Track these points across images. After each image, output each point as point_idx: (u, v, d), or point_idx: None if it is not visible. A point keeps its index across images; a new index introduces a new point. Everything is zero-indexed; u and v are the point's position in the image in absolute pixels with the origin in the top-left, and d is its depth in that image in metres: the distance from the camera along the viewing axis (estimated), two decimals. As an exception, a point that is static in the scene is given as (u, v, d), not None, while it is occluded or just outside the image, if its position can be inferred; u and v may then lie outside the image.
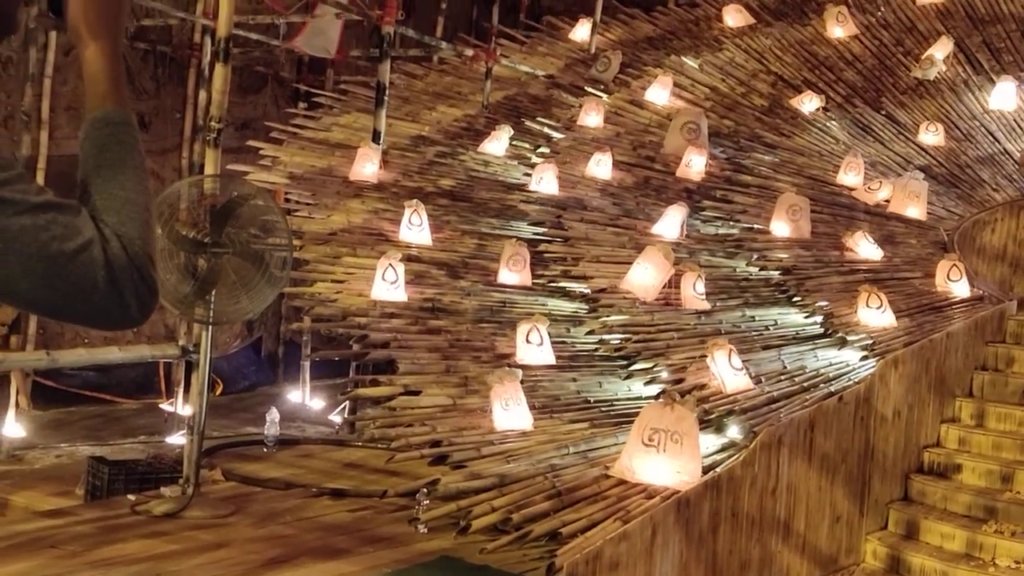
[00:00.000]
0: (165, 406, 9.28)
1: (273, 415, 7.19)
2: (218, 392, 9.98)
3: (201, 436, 5.31)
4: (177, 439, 7.57)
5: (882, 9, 10.93)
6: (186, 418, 6.04)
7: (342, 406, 8.70)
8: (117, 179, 1.32)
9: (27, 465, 7.80)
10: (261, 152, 8.47)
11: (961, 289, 6.60)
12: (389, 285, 6.49)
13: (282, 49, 10.60)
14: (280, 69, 11.47)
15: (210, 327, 5.32)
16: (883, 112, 9.32)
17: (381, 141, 8.34)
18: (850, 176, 8.22)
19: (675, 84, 9.87)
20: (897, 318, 6.11)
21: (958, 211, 7.92)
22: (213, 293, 5.06)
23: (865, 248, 7.12)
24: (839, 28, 10.54)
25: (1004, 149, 8.64)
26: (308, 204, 7.77)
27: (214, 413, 6.73)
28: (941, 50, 9.74)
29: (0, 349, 7.44)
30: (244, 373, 11.17)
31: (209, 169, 5.51)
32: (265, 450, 6.95)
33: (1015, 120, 8.90)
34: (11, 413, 8.28)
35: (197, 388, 5.37)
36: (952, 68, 9.65)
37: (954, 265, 6.66)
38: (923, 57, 9.73)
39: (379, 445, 6.23)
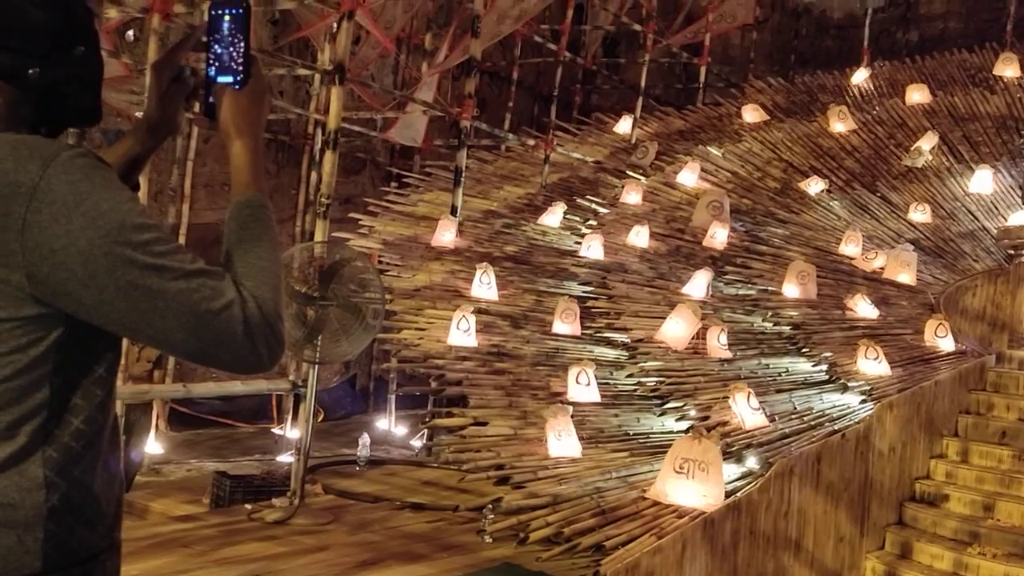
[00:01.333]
0: (276, 430, 9.32)
1: (364, 439, 7.20)
2: (320, 419, 10.01)
3: (306, 456, 5.33)
4: (286, 458, 7.58)
5: (876, 108, 10.85)
6: (294, 441, 6.06)
7: (422, 433, 8.68)
8: (255, 251, 1.36)
9: (164, 477, 7.87)
10: (360, 222, 8.55)
11: (947, 344, 6.45)
12: (463, 333, 6.49)
13: (379, 139, 10.74)
14: (376, 155, 11.63)
15: (316, 366, 5.35)
16: (878, 194, 9.19)
17: (458, 214, 8.38)
18: (850, 247, 8.10)
19: (702, 169, 9.83)
20: (892, 368, 5.97)
21: (943, 278, 7.76)
22: (319, 338, 5.09)
23: (863, 308, 7.00)
24: (840, 124, 10.46)
25: (983, 226, 8.47)
26: (397, 265, 7.81)
27: (316, 437, 6.74)
28: (928, 142, 9.62)
29: (146, 382, 7.53)
30: (341, 404, 11.21)
31: (318, 236, 5.59)
32: (357, 469, 6.95)
33: (992, 202, 8.74)
34: (152, 434, 8.37)
35: (303, 416, 5.40)
36: (937, 158, 9.52)
37: (940, 324, 6.52)
38: (912, 148, 9.61)
39: (452, 467, 6.19)
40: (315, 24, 8.36)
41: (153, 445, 8.34)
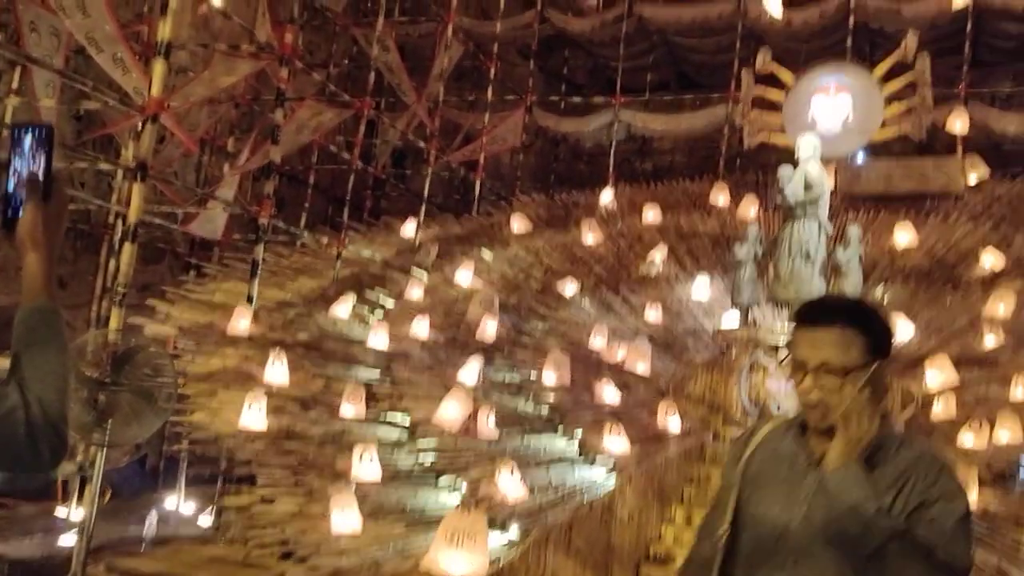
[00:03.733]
0: (61, 510, 8.47)
1: (152, 518, 6.69)
2: (108, 499, 9.18)
3: (89, 537, 4.88)
4: (69, 539, 6.89)
5: (619, 224, 11.53)
6: (78, 521, 5.53)
7: (210, 511, 8.16)
8: (43, 355, 1.31)
9: (-66, 562, 6.92)
10: (157, 309, 8.10)
11: (675, 425, 6.83)
12: (254, 415, 6.22)
13: (179, 230, 10.29)
14: (176, 245, 11.10)
15: (105, 449, 4.95)
16: (620, 296, 9.70)
17: (253, 303, 8.12)
18: (598, 340, 8.46)
19: (476, 269, 10.05)
20: (631, 445, 6.24)
21: (672, 368, 8.24)
22: (109, 422, 4.73)
23: (608, 393, 7.29)
24: (591, 235, 11.02)
25: (702, 325, 9.11)
26: (192, 351, 7.42)
27: (104, 516, 6.16)
28: (659, 254, 10.28)
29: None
30: (131, 482, 10.34)
31: (113, 324, 5.24)
32: (143, 548, 6.42)
33: (709, 305, 9.43)
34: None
35: (89, 496, 4.96)
36: (667, 267, 10.18)
37: (670, 406, 6.89)
38: (647, 258, 10.23)
39: (238, 544, 5.85)
40: (120, 123, 7.97)
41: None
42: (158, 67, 5.68)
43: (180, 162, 10.40)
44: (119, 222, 8.83)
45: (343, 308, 8.81)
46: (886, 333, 2.00)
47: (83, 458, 6.28)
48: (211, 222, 9.58)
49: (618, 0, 13.42)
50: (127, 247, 5.34)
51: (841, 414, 1.82)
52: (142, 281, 10.24)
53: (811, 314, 1.98)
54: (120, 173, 8.89)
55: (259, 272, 8.26)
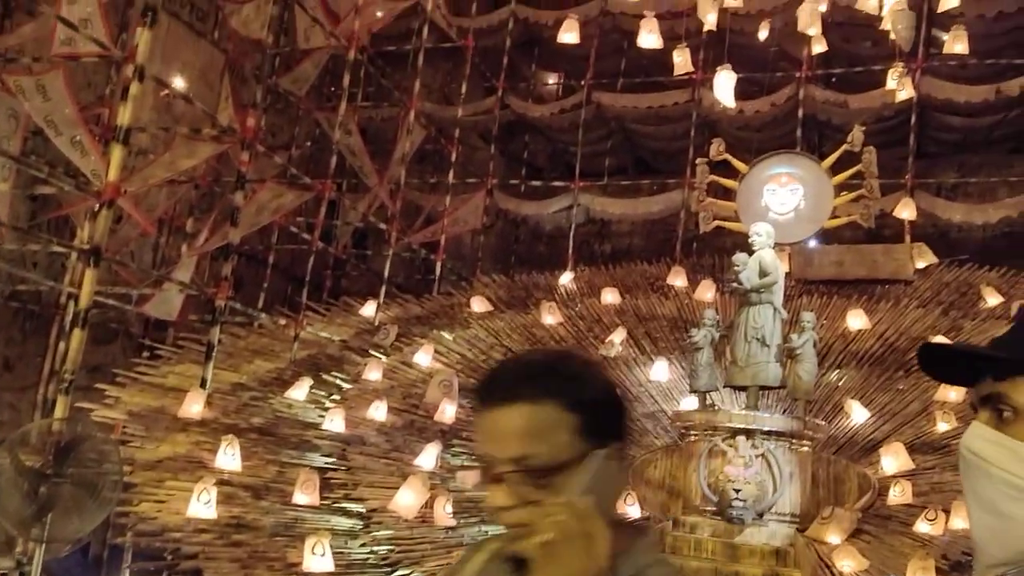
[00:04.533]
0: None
1: (92, 614, 6.38)
2: (46, 591, 8.77)
3: (23, 640, 4.62)
4: (2, 637, 6.54)
5: (579, 306, 11.60)
6: (12, 621, 5.26)
7: (155, 604, 7.83)
8: None
9: None
10: (106, 393, 7.89)
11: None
12: (203, 505, 6.02)
13: (133, 311, 10.12)
14: (130, 326, 10.90)
15: (43, 544, 4.74)
16: (580, 378, 9.66)
17: (207, 386, 7.96)
18: (558, 424, 8.39)
19: (436, 351, 9.99)
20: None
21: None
22: (49, 516, 4.54)
23: (568, 479, 7.20)
24: (550, 317, 11.05)
25: (661, 408, 9.11)
26: (142, 436, 7.22)
27: (40, 613, 5.88)
28: (618, 336, 10.34)
29: None
30: (72, 573, 9.90)
31: (59, 412, 5.08)
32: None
33: (667, 388, 9.46)
34: None
35: (25, 596, 4.72)
36: (626, 349, 10.23)
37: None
38: (606, 340, 10.27)
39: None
40: (76, 205, 7.90)
41: None
42: (116, 152, 5.67)
43: (137, 242, 10.30)
44: (71, 303, 8.66)
45: (299, 391, 8.67)
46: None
47: (21, 552, 6.00)
48: (167, 303, 9.44)
49: (577, 88, 13.77)
50: (76, 333, 5.23)
51: (540, 543, 1.13)
52: (93, 362, 10.01)
53: (491, 389, 1.33)
54: (74, 254, 8.76)
55: (214, 354, 8.12)
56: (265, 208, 9.16)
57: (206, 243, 9.50)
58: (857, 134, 8.69)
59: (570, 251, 13.39)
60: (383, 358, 9.94)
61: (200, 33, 9.41)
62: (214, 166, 10.33)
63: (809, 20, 7.94)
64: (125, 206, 7.52)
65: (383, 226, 12.27)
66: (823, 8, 8.14)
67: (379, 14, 11.34)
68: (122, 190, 5.99)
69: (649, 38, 8.87)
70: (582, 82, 13.41)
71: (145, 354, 9.79)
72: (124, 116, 5.78)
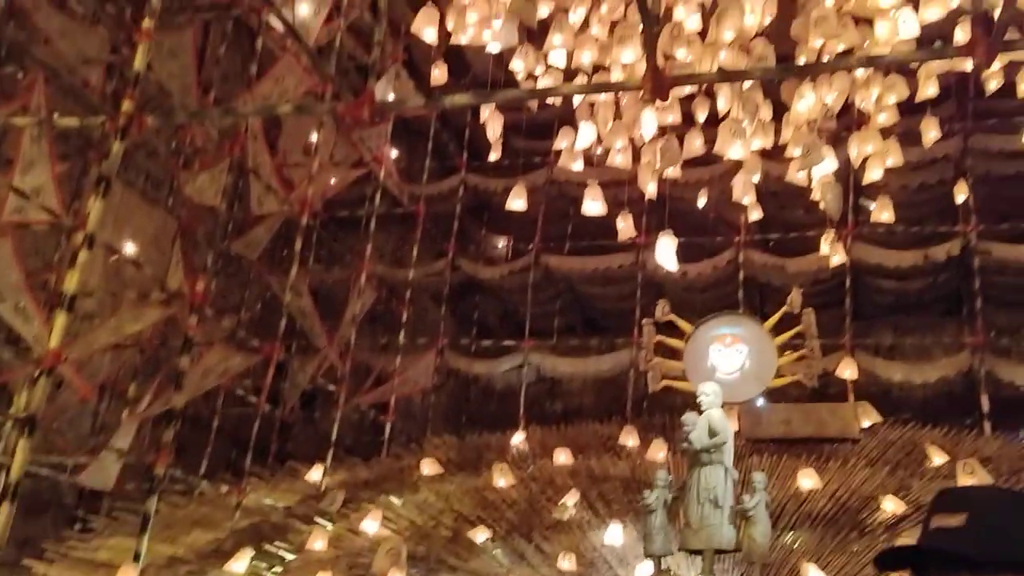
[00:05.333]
0: None
1: None
2: None
3: None
4: None
5: (531, 467, 11.43)
6: None
7: None
8: None
9: None
10: (33, 571, 7.44)
11: None
12: None
13: (67, 480, 9.70)
14: (63, 496, 10.41)
15: None
16: (533, 543, 9.42)
17: (141, 560, 7.55)
18: (510, 595, 8.11)
19: (384, 517, 9.68)
20: None
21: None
22: None
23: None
24: (502, 479, 10.84)
25: (616, 574, 8.87)
26: (67, 618, 6.77)
27: None
28: (571, 498, 10.14)
29: None
30: None
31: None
32: None
33: (622, 553, 9.23)
34: None
35: None
36: (580, 512, 10.02)
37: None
38: (560, 503, 10.06)
39: None
40: (15, 372, 7.72)
41: None
42: (60, 319, 5.61)
43: (76, 408, 10.01)
44: (1, 474, 8.28)
45: (239, 563, 8.27)
46: None
47: None
48: (103, 472, 9.08)
49: (526, 251, 14.16)
50: (5, 506, 4.98)
51: None
52: (22, 536, 9.46)
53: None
54: (9, 422, 8.47)
55: (150, 525, 7.76)
56: (212, 372, 9.04)
57: (148, 408, 9.28)
58: (796, 297, 9.01)
59: (521, 410, 13.33)
60: (328, 525, 9.59)
61: (154, 200, 9.57)
62: (161, 329, 10.25)
63: (743, 190, 8.35)
64: (66, 373, 7.36)
65: (332, 388, 12.15)
66: (756, 179, 8.58)
67: (332, 181, 11.68)
68: (63, 357, 5.88)
69: (593, 205, 9.20)
70: (530, 245, 13.81)
71: (78, 526, 9.32)
72: (71, 283, 5.76)
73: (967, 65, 5.59)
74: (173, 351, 10.02)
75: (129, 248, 8.61)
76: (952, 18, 6.96)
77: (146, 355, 10.70)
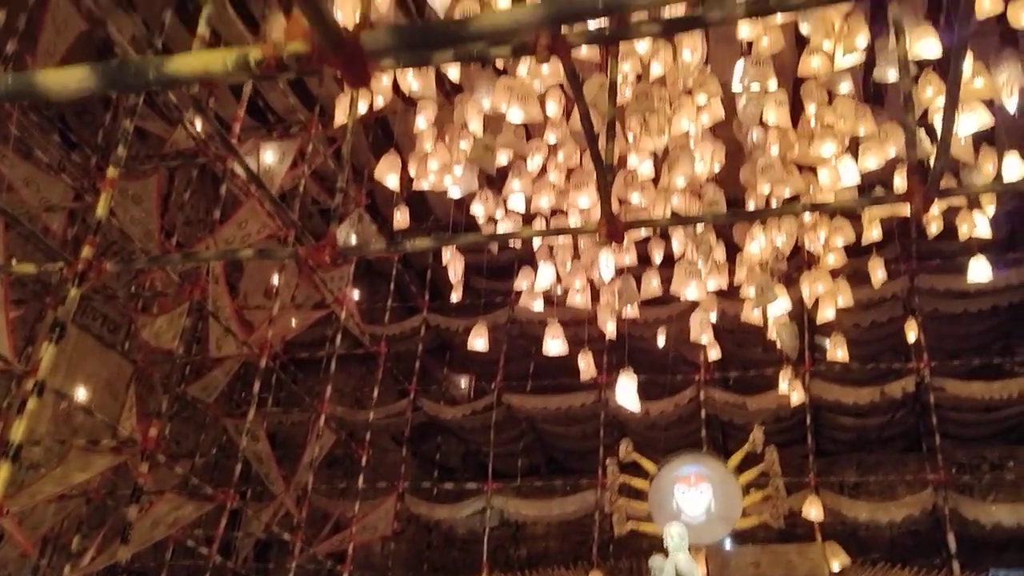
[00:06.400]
0: None
1: None
2: None
3: None
4: None
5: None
6: None
7: None
8: None
9: None
10: None
11: None
12: None
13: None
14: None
15: None
16: None
17: None
18: None
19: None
20: None
21: None
22: None
23: None
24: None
25: None
26: None
27: None
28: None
29: None
30: None
31: None
32: None
33: None
34: None
35: None
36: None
37: None
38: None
39: None
40: (-48, 524, 7.33)
41: None
42: (3, 470, 5.39)
43: (16, 563, 9.48)
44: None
45: None
46: None
47: None
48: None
49: (488, 390, 14.08)
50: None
51: None
52: None
53: None
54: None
55: None
56: (161, 522, 8.67)
57: (92, 563, 8.81)
58: (758, 435, 9.02)
59: (484, 556, 12.93)
60: None
61: (109, 344, 9.43)
62: (110, 478, 9.88)
63: (700, 329, 8.51)
64: (7, 526, 7.02)
65: (287, 536, 11.69)
66: (713, 318, 8.75)
67: (293, 322, 11.65)
68: (6, 510, 5.62)
69: (554, 344, 9.29)
70: (492, 385, 13.74)
71: None
72: (18, 432, 5.57)
73: (907, 211, 5.86)
74: (121, 501, 9.64)
75: (81, 394, 8.42)
76: (891, 165, 7.36)
77: (92, 505, 10.26)
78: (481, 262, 12.56)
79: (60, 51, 7.65)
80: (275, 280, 11.17)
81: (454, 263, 9.41)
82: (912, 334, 10.17)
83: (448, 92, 9.35)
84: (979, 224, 7.71)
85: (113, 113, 9.48)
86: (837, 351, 8.92)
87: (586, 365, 9.77)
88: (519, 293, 9.55)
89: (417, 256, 14.35)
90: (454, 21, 1.27)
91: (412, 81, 7.28)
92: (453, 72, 7.66)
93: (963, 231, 7.90)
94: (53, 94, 1.52)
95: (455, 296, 9.51)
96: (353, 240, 11.06)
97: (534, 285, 8.99)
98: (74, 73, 1.56)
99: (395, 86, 7.31)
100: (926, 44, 5.96)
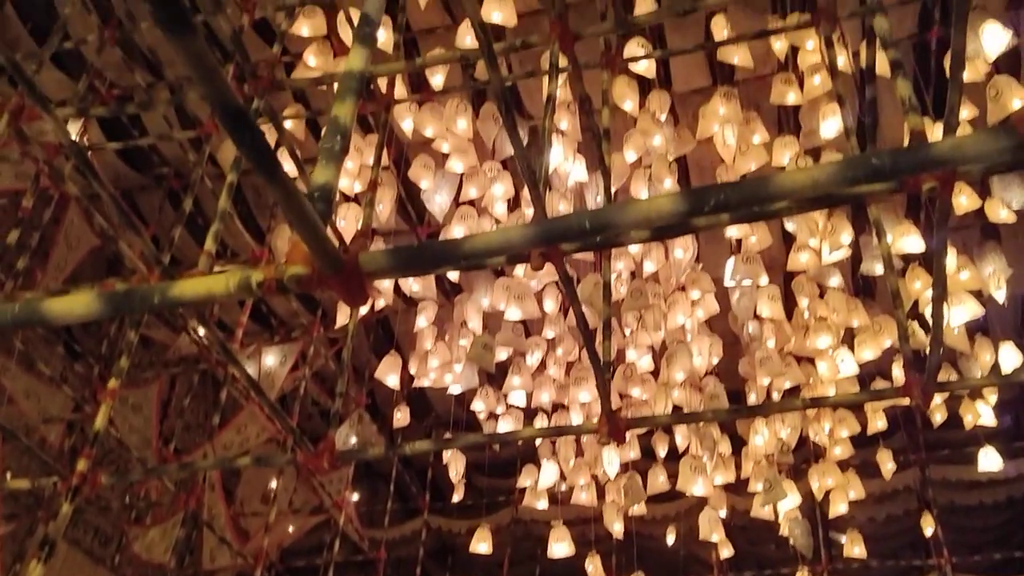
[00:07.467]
0: None
1: None
2: None
3: None
4: None
5: None
6: None
7: None
8: None
9: None
10: None
11: None
12: None
13: None
14: None
15: None
16: None
17: None
18: None
19: None
20: None
21: None
22: None
23: None
24: None
25: None
26: None
27: None
28: None
29: None
30: None
31: None
32: None
33: None
34: None
35: None
36: None
37: None
38: None
39: None
40: None
41: None
42: None
43: None
44: None
45: None
46: None
47: None
48: None
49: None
50: None
51: None
52: None
53: None
54: None
55: None
56: None
57: None
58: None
59: None
60: None
61: (99, 559, 9.09)
62: None
63: (710, 528, 8.24)
64: None
65: None
66: (723, 514, 8.50)
67: (291, 529, 11.29)
68: None
69: (560, 547, 8.97)
70: (497, 590, 13.11)
71: None
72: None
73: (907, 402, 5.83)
74: None
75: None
76: (889, 354, 7.41)
77: None
78: (483, 459, 12.36)
79: (70, 266, 7.88)
80: (273, 484, 10.92)
81: (455, 462, 9.27)
82: (929, 528, 9.83)
83: (447, 292, 9.56)
84: (983, 414, 7.66)
85: (119, 324, 9.64)
86: (854, 548, 8.60)
87: (594, 569, 9.40)
88: (523, 491, 9.32)
89: (417, 455, 14.13)
90: (449, 241, 1.33)
91: (413, 284, 7.48)
92: (452, 274, 7.87)
93: (968, 420, 7.84)
94: (59, 320, 1.55)
95: (457, 496, 9.29)
96: (353, 441, 10.93)
97: (537, 483, 8.81)
98: (80, 299, 1.60)
99: (396, 287, 7.50)
100: (908, 241, 6.16)
